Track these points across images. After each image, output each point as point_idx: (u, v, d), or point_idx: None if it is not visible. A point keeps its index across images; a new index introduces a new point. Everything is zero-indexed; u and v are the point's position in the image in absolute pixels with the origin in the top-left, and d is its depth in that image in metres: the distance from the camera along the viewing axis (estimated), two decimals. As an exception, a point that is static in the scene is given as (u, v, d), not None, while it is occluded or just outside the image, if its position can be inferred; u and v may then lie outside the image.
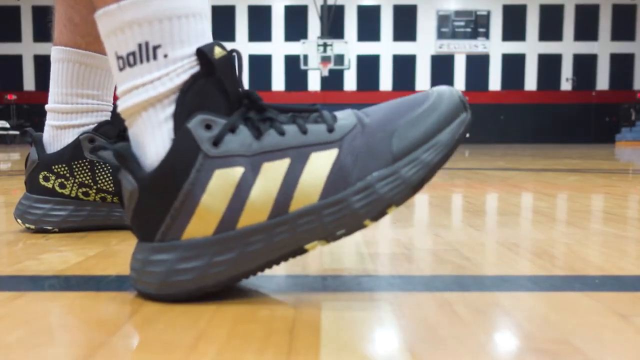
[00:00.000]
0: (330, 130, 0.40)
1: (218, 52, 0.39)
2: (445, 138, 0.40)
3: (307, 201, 0.39)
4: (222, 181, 0.38)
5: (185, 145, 0.38)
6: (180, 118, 0.38)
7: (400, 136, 0.39)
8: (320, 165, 0.39)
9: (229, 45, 0.39)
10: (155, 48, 0.38)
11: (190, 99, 0.38)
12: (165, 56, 0.38)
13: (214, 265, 0.39)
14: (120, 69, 0.40)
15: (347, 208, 0.38)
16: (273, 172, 0.39)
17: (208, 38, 0.41)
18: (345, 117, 0.41)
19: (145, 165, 0.40)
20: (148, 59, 0.38)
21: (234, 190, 0.38)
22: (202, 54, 0.39)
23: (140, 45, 0.38)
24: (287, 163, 0.39)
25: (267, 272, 0.49)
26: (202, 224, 0.38)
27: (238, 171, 0.38)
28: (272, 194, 0.38)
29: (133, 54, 0.39)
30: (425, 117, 0.40)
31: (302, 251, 0.40)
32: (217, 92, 0.39)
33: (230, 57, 0.40)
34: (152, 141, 0.39)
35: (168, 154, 0.38)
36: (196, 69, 0.39)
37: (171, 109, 0.39)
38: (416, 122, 0.40)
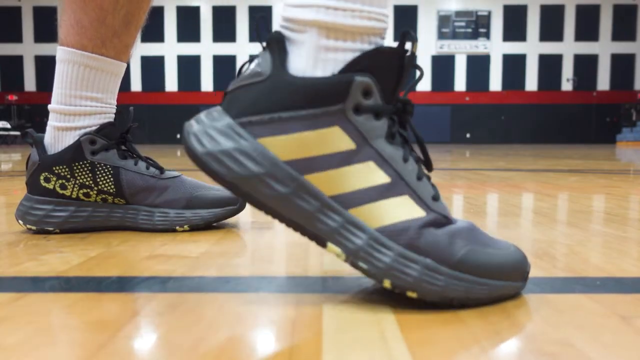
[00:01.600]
0: (435, 199, 0.41)
1: (415, 48, 0.40)
2: (496, 287, 0.40)
3: (368, 220, 0.39)
4: (333, 138, 0.38)
5: (339, 88, 0.37)
6: (355, 63, 0.38)
7: (471, 253, 0.39)
8: (405, 208, 0.39)
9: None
10: None
11: (376, 61, 0.38)
12: None
13: (261, 181, 0.38)
14: None
15: (388, 258, 0.38)
16: (370, 175, 0.39)
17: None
18: (446, 206, 0.42)
19: (284, 65, 0.38)
20: None
21: (333, 153, 0.38)
22: (406, 37, 0.39)
23: None
24: (387, 181, 0.39)
25: (268, 273, 0.49)
26: (285, 147, 0.38)
27: (350, 144, 0.38)
28: (353, 186, 0.38)
29: None
30: (497, 257, 0.40)
31: (322, 243, 0.39)
32: (394, 76, 0.39)
33: (415, 60, 0.40)
34: (302, 56, 0.38)
35: (320, 79, 0.37)
36: (375, 23, 0.39)
37: (340, 44, 0.38)
38: (489, 255, 0.40)
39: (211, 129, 0.39)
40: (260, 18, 0.41)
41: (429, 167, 0.43)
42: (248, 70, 0.40)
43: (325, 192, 0.38)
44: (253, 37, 14.51)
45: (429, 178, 0.42)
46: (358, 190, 0.38)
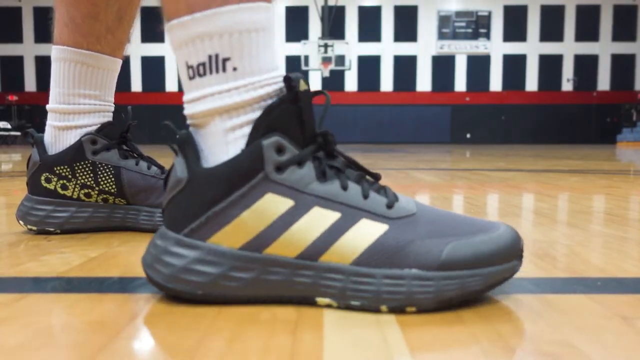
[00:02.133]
0: (390, 206, 0.40)
1: (302, 84, 0.40)
2: (492, 273, 0.39)
3: (339, 259, 0.39)
4: (270, 206, 0.38)
5: (252, 159, 0.38)
6: (256, 132, 0.39)
7: (455, 250, 0.39)
8: (366, 232, 0.39)
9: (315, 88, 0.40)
10: (224, 60, 0.39)
11: (272, 118, 0.39)
12: (235, 69, 0.39)
13: (228, 278, 0.39)
14: (190, 78, 0.41)
15: (374, 286, 0.38)
16: (321, 219, 0.39)
17: (274, 52, 0.41)
18: (406, 202, 0.42)
19: (198, 163, 0.40)
20: (217, 71, 0.39)
21: (277, 218, 0.39)
22: (289, 81, 0.39)
23: (210, 57, 0.39)
24: (337, 217, 0.39)
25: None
26: (233, 235, 0.39)
27: (288, 203, 0.39)
28: (310, 237, 0.39)
29: (203, 64, 0.39)
30: (484, 245, 0.39)
31: (311, 301, 0.40)
32: (297, 121, 0.40)
33: (312, 94, 0.41)
34: (215, 146, 0.40)
35: (232, 160, 0.39)
36: (268, 89, 0.40)
37: (241, 120, 0.39)
38: (474, 245, 0.39)
39: (162, 253, 0.40)
40: (165, 125, 0.43)
41: (376, 177, 0.43)
42: (170, 179, 0.41)
43: (290, 256, 0.39)
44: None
45: (378, 189, 0.42)
46: (317, 238, 0.39)
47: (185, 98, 0.42)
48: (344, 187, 0.40)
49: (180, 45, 0.40)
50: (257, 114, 0.39)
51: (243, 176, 0.38)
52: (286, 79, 0.39)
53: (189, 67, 0.40)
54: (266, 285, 0.39)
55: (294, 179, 0.39)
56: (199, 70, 0.40)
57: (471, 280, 0.38)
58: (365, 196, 0.40)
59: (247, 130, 0.39)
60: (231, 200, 0.38)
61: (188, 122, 0.42)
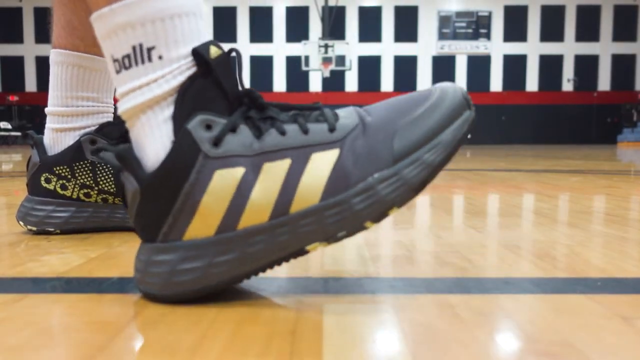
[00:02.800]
0: (332, 129, 0.40)
1: (214, 51, 0.39)
2: (447, 137, 0.39)
3: (308, 202, 0.38)
4: (223, 182, 0.38)
5: (186, 146, 0.38)
6: (179, 119, 0.38)
7: (402, 136, 0.39)
8: (321, 166, 0.39)
9: (230, 47, 0.39)
10: (149, 50, 0.38)
11: (188, 100, 0.38)
12: (160, 57, 0.38)
13: (215, 265, 0.39)
14: (117, 72, 0.40)
15: (348, 210, 0.38)
16: (274, 173, 0.38)
17: (203, 37, 0.40)
18: (346, 116, 0.41)
19: (147, 167, 0.40)
20: (143, 61, 0.38)
21: (235, 191, 0.38)
22: (198, 54, 0.39)
23: (134, 48, 0.38)
24: (288, 164, 0.39)
25: (269, 274, 0.49)
26: (203, 224, 0.38)
27: (239, 171, 0.38)
28: (273, 194, 0.38)
29: (128, 56, 0.38)
30: (427, 116, 0.39)
31: (303, 252, 0.40)
32: (216, 91, 0.39)
33: (227, 56, 0.40)
34: (152, 143, 0.39)
35: (168, 156, 0.38)
36: (193, 69, 0.39)
37: (170, 110, 0.39)
38: (418, 121, 0.39)
39: (147, 266, 0.40)
40: (103, 148, 0.42)
41: (314, 107, 0.42)
42: (126, 195, 0.41)
43: (263, 221, 0.39)
44: (254, 38, 14.53)
45: (317, 117, 0.41)
46: (280, 192, 0.38)
47: (117, 95, 0.41)
48: (282, 132, 0.39)
49: (103, 38, 0.40)
50: (169, 108, 0.39)
51: (185, 166, 0.38)
52: (194, 52, 0.38)
53: (115, 60, 0.39)
54: (253, 258, 0.39)
55: (234, 146, 0.38)
56: (124, 63, 0.39)
57: (432, 153, 0.38)
58: (305, 131, 0.40)
59: (166, 126, 0.39)
60: (186, 193, 0.38)
61: (123, 119, 0.41)
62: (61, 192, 0.69)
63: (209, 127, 0.38)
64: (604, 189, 1.38)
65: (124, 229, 0.72)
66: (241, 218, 0.38)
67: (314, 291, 0.44)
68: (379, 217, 0.39)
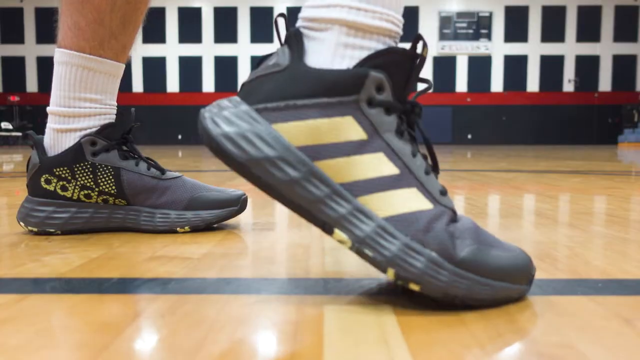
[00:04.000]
0: (442, 193, 0.41)
1: (426, 53, 0.41)
2: (500, 288, 0.39)
3: (376, 208, 0.39)
4: (346, 127, 0.39)
5: (354, 80, 0.39)
6: (370, 60, 0.39)
7: (475, 253, 0.39)
8: (413, 200, 0.40)
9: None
10: None
11: (389, 59, 0.39)
12: None
13: (273, 164, 0.38)
14: None
15: (394, 247, 0.38)
16: (381, 165, 0.39)
17: (402, 6, 0.42)
18: (452, 203, 0.42)
19: (302, 58, 0.40)
20: None
21: (345, 141, 0.39)
22: (419, 40, 0.40)
23: None
24: (396, 172, 0.40)
25: (269, 275, 0.49)
26: (298, 133, 0.39)
27: (361, 134, 0.39)
28: (363, 175, 0.39)
29: None
30: (501, 259, 0.40)
31: (329, 230, 0.39)
32: (405, 76, 0.41)
33: (423, 65, 0.42)
34: (323, 52, 0.40)
35: (336, 71, 0.39)
36: (392, 26, 0.41)
37: (359, 42, 0.40)
38: (494, 256, 0.40)
39: (228, 112, 0.39)
40: (280, 15, 0.43)
41: (436, 169, 0.44)
42: (265, 62, 0.41)
43: (335, 179, 0.39)
44: (254, 38, 14.53)
45: (436, 175, 0.43)
46: (368, 179, 0.39)
47: (310, 2, 0.42)
48: (414, 154, 0.41)
49: None
50: (373, 44, 0.40)
51: (339, 89, 0.39)
52: (418, 37, 0.40)
53: None
54: (301, 193, 0.39)
55: (378, 120, 0.40)
56: None
57: (481, 287, 0.39)
58: (427, 173, 0.41)
59: (359, 53, 0.40)
60: (316, 102, 0.39)
61: (301, 23, 0.42)
62: (61, 193, 0.69)
63: (379, 89, 0.40)
64: (605, 190, 1.38)
65: (124, 230, 0.72)
66: (325, 160, 0.39)
67: (315, 292, 0.44)
68: (403, 277, 0.38)
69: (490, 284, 0.39)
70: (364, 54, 0.40)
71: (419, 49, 0.41)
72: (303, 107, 0.39)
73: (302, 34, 0.41)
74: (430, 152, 0.43)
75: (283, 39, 0.41)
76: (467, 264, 0.39)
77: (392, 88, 0.40)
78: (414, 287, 0.38)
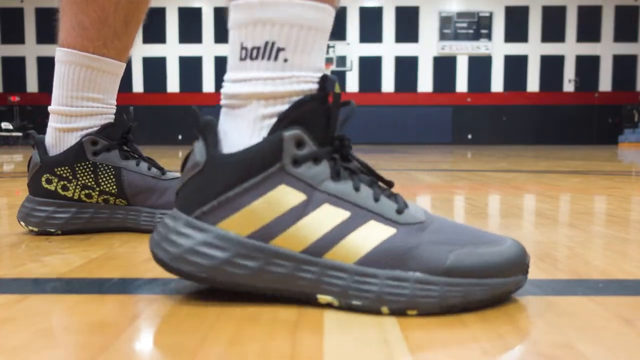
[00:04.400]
0: (399, 212, 0.41)
1: (337, 88, 0.40)
2: (497, 285, 0.39)
3: (344, 258, 0.39)
4: (282, 197, 0.39)
5: (272, 149, 0.39)
6: (281, 123, 0.39)
7: (461, 256, 0.39)
8: (374, 233, 0.39)
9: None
10: (279, 50, 0.40)
11: (299, 112, 0.39)
12: (286, 60, 0.40)
13: (233, 264, 0.39)
14: (242, 59, 0.41)
15: (376, 286, 0.38)
16: (330, 216, 0.39)
17: (323, 54, 0.42)
18: (415, 211, 0.42)
19: (221, 145, 0.40)
20: (269, 58, 0.40)
21: (287, 210, 0.39)
22: (326, 81, 0.40)
23: (266, 43, 0.40)
24: (347, 216, 0.39)
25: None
26: (242, 223, 0.39)
27: (300, 197, 0.39)
28: (318, 233, 0.39)
29: (258, 49, 0.40)
30: (490, 255, 0.40)
31: (312, 298, 0.40)
32: (321, 121, 0.40)
33: (339, 98, 0.41)
34: (244, 129, 0.40)
35: (251, 148, 0.39)
36: (311, 85, 0.40)
37: (276, 109, 0.40)
38: (481, 254, 0.39)
39: (171, 233, 0.40)
40: (191, 110, 0.44)
41: (389, 184, 0.44)
42: (188, 161, 0.42)
43: (295, 249, 0.39)
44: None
45: (389, 195, 0.42)
46: (324, 235, 0.39)
47: (229, 77, 0.42)
48: (356, 189, 0.40)
49: (239, 25, 0.41)
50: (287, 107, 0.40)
51: (260, 165, 0.39)
52: (322, 78, 0.40)
53: (243, 48, 0.41)
54: (269, 277, 0.39)
55: (309, 174, 0.39)
56: (252, 54, 0.40)
57: (475, 289, 0.38)
58: (377, 199, 0.41)
59: (271, 121, 0.40)
60: (245, 188, 0.39)
61: (223, 102, 0.42)
62: (62, 192, 0.69)
63: (299, 145, 0.39)
64: (605, 190, 1.38)
65: (124, 230, 0.72)
66: (279, 236, 0.39)
67: (315, 292, 0.44)
68: (397, 310, 0.38)
69: (485, 284, 0.39)
70: (270, 121, 0.40)
71: (329, 88, 0.40)
72: (235, 198, 0.39)
73: (213, 123, 0.40)
74: (373, 174, 0.43)
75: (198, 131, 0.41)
76: (455, 271, 0.38)
77: (312, 138, 0.40)
78: (411, 312, 0.38)
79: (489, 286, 0.39)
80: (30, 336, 0.34)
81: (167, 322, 0.37)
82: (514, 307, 0.40)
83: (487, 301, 0.39)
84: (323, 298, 0.39)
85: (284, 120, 0.39)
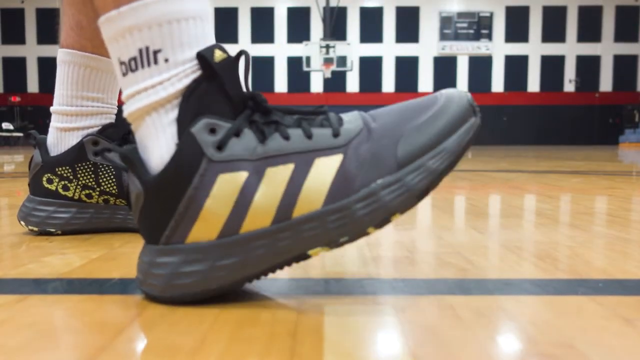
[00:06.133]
0: (336, 135, 0.40)
1: (218, 55, 0.39)
2: (452, 144, 0.39)
3: (310, 207, 0.38)
4: (226, 186, 0.38)
5: (189, 150, 0.38)
6: (184, 122, 0.38)
7: (406, 142, 0.39)
8: (324, 171, 0.39)
9: (231, 47, 0.39)
10: (155, 52, 0.38)
11: (193, 103, 0.38)
12: (167, 60, 0.38)
13: (216, 269, 0.39)
14: (124, 74, 0.40)
15: (351, 215, 0.38)
16: (277, 178, 0.38)
17: (210, 41, 0.40)
18: (351, 121, 0.41)
19: (151, 169, 0.40)
20: (149, 64, 0.38)
21: (238, 195, 0.38)
22: (202, 58, 0.39)
23: (140, 50, 0.38)
24: (291, 168, 0.39)
25: (270, 275, 0.49)
26: (206, 228, 0.38)
27: (242, 176, 0.38)
28: (275, 199, 0.38)
29: (134, 59, 0.39)
30: (432, 123, 0.39)
31: (305, 257, 0.40)
32: (220, 95, 0.39)
33: (232, 60, 0.40)
34: (157, 145, 0.39)
35: (172, 159, 0.38)
36: (198, 73, 0.39)
37: (175, 113, 0.39)
38: (423, 127, 0.39)
39: (149, 267, 0.40)
40: (108, 149, 0.44)
41: (319, 112, 0.41)
42: (131, 197, 0.41)
43: (265, 226, 0.39)
44: (255, 39, 14.54)
45: (322, 122, 0.41)
46: (282, 197, 0.38)
47: (122, 97, 0.41)
48: (286, 137, 0.39)
49: (110, 41, 0.40)
50: (176, 111, 0.39)
51: (189, 169, 0.38)
52: (198, 56, 0.39)
53: (122, 63, 0.40)
54: (254, 262, 0.39)
55: (237, 150, 0.38)
56: (130, 66, 0.39)
57: (436, 160, 0.38)
58: (309, 136, 0.40)
59: (172, 129, 0.39)
60: (189, 196, 0.38)
61: (131, 125, 0.41)
62: (63, 192, 0.69)
63: (212, 130, 0.38)
64: (605, 190, 1.38)
65: (125, 230, 0.72)
66: (244, 222, 0.38)
67: (315, 292, 0.44)
68: (381, 223, 0.39)
69: (440, 150, 0.38)
70: (173, 126, 0.38)
71: (212, 59, 0.38)
72: (187, 209, 0.38)
73: (129, 151, 0.40)
74: (294, 111, 0.41)
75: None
76: (408, 158, 0.38)
77: (221, 115, 0.38)
78: (395, 217, 0.38)
79: (446, 149, 0.39)
80: (30, 336, 0.34)
81: (166, 322, 0.37)
82: (514, 306, 0.40)
83: (455, 161, 0.39)
84: (313, 252, 0.39)
85: (185, 117, 0.38)
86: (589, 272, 0.50)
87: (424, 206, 1.03)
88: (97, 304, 0.41)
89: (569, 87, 15.31)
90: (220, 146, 0.38)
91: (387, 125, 0.40)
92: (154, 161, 0.40)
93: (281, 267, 0.40)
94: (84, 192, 0.69)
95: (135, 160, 0.39)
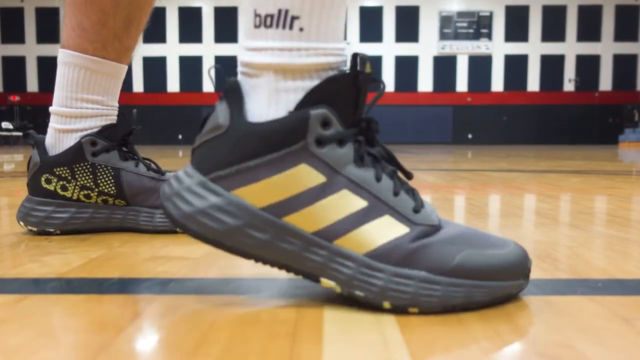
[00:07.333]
0: (416, 211, 0.40)
1: (369, 68, 0.39)
2: (497, 288, 0.39)
3: (353, 247, 0.39)
4: (302, 176, 0.38)
5: (296, 125, 0.38)
6: (308, 100, 0.38)
7: (466, 259, 0.39)
8: (387, 229, 0.39)
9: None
10: (293, 18, 0.38)
11: (329, 91, 0.38)
12: (301, 29, 0.38)
13: (242, 233, 0.39)
14: (256, 26, 0.40)
15: (381, 280, 0.38)
16: (347, 203, 0.39)
17: (342, 24, 0.41)
18: (430, 212, 0.41)
19: (245, 113, 0.39)
20: (284, 27, 0.38)
21: (305, 190, 0.38)
22: (356, 59, 0.39)
23: (280, 11, 0.38)
24: (363, 205, 0.39)
25: (269, 275, 0.49)
26: (258, 194, 0.38)
27: (320, 178, 0.38)
28: (332, 217, 0.38)
29: (272, 16, 0.39)
30: (494, 258, 0.40)
31: (315, 279, 0.40)
32: (350, 101, 0.39)
33: (372, 79, 0.40)
34: (267, 100, 0.39)
35: (277, 121, 0.38)
36: (331, 59, 0.39)
37: (297, 84, 0.39)
38: (485, 257, 0.40)
39: (184, 190, 0.40)
40: (214, 68, 0.42)
41: (408, 176, 0.43)
42: (208, 122, 0.40)
43: (306, 230, 0.39)
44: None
45: (408, 190, 0.42)
46: (338, 221, 0.38)
47: (244, 44, 0.41)
48: (378, 178, 0.40)
49: None
50: (313, 82, 0.39)
51: (283, 140, 0.38)
52: (355, 56, 0.39)
53: (257, 15, 0.39)
54: (277, 252, 0.39)
55: (332, 156, 0.38)
56: (266, 21, 0.39)
57: (477, 291, 0.38)
58: (396, 194, 0.40)
59: (298, 95, 0.39)
60: (266, 160, 0.38)
61: (240, 69, 0.41)
62: (61, 193, 0.69)
63: (325, 124, 0.38)
64: (605, 190, 1.38)
65: (124, 230, 0.72)
66: (292, 214, 0.38)
67: (315, 292, 0.44)
68: (399, 307, 0.38)
69: (487, 286, 0.39)
70: (299, 96, 0.38)
71: (359, 67, 0.39)
72: (255, 168, 0.38)
73: (240, 86, 0.39)
74: (396, 165, 0.42)
75: (221, 89, 0.40)
76: (460, 271, 0.38)
77: (340, 118, 0.39)
78: (413, 310, 0.38)
79: (490, 288, 0.39)
80: (29, 336, 0.34)
81: (166, 322, 0.37)
82: (514, 306, 0.40)
83: (488, 302, 0.39)
84: (326, 282, 0.39)
85: (313, 97, 0.38)
86: (588, 272, 0.50)
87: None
88: (96, 304, 0.41)
89: (568, 86, 15.32)
90: (321, 142, 0.38)
91: (457, 235, 0.41)
92: (252, 110, 0.39)
93: (291, 272, 0.40)
94: (82, 193, 0.69)
95: (240, 94, 0.39)
